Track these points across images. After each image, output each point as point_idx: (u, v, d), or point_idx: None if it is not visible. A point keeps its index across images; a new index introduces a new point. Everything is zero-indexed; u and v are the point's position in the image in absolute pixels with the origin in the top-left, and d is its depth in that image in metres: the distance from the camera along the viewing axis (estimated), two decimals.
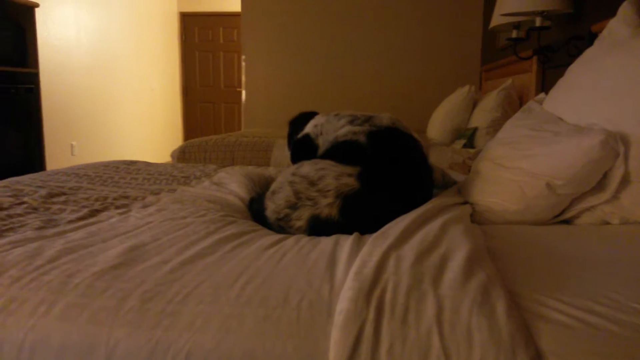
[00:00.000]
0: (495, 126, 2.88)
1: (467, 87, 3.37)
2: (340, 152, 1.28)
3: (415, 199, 1.22)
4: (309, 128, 1.54)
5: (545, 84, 2.68)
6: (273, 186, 1.31)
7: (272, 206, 1.24)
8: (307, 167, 1.24)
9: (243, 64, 5.03)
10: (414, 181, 1.26)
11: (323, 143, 1.43)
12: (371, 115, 1.42)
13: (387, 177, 1.21)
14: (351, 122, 1.39)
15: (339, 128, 1.40)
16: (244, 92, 5.09)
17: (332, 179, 1.18)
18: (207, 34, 7.52)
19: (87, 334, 0.75)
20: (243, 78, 5.07)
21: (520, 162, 1.28)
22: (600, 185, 1.21)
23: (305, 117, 1.63)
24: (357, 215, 1.16)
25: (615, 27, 1.44)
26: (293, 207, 1.19)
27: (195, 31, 7.54)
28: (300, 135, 1.55)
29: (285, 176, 1.27)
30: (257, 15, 4.89)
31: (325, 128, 1.46)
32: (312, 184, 1.19)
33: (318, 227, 1.16)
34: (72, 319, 0.77)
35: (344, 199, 1.15)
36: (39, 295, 0.81)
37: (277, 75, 4.96)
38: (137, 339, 0.74)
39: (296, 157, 1.53)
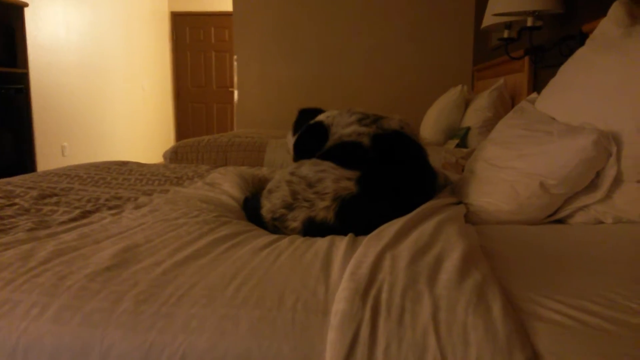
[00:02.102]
0: (488, 126, 2.89)
1: (459, 87, 3.38)
2: (342, 152, 1.28)
3: (414, 207, 1.20)
4: (321, 117, 1.52)
5: (537, 84, 2.69)
6: (270, 185, 1.30)
7: (268, 205, 1.23)
8: (307, 168, 1.23)
9: (235, 63, 5.02)
10: (413, 189, 1.25)
11: (331, 135, 1.41)
12: (381, 116, 1.41)
13: (386, 183, 1.20)
14: (359, 121, 1.38)
15: (348, 125, 1.38)
16: (236, 92, 5.08)
17: (331, 182, 1.17)
18: (199, 34, 7.49)
19: (80, 336, 0.74)
20: (235, 78, 5.05)
21: (514, 162, 1.28)
22: (593, 185, 1.21)
23: (313, 112, 1.62)
24: (353, 220, 1.15)
25: (606, 27, 1.45)
26: (289, 207, 1.19)
27: (187, 31, 7.52)
28: (312, 122, 1.53)
29: (283, 175, 1.26)
30: (248, 14, 4.87)
31: (337, 120, 1.44)
32: (310, 185, 1.18)
33: (313, 230, 1.15)
34: (66, 322, 0.76)
35: (341, 203, 1.15)
36: (32, 298, 0.80)
37: (269, 75, 4.95)
38: (131, 341, 0.73)
39: (305, 142, 1.50)
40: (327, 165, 1.22)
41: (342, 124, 1.41)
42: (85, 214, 1.30)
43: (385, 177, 1.20)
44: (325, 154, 1.31)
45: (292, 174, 1.24)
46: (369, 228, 1.09)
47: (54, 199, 1.47)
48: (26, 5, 4.39)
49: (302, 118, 1.64)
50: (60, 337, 0.74)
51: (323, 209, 1.15)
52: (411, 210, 1.18)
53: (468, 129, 3.02)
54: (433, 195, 1.32)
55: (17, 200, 1.42)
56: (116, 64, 6.26)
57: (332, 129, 1.43)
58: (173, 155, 3.10)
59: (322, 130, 1.45)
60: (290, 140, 1.64)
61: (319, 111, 1.61)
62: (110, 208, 1.38)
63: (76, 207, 1.37)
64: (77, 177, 1.84)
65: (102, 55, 5.97)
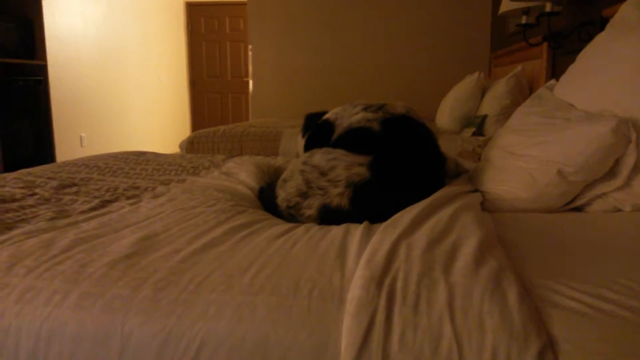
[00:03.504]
0: (505, 114, 2.86)
1: (476, 74, 3.34)
2: (352, 138, 1.28)
3: (427, 189, 1.21)
4: (327, 115, 1.53)
5: (555, 71, 2.65)
6: (284, 174, 1.31)
7: (283, 194, 1.25)
8: (319, 157, 1.24)
9: (250, 53, 5.02)
10: (426, 171, 1.25)
11: (338, 127, 1.43)
12: (385, 103, 1.42)
13: (398, 166, 1.20)
14: (365, 109, 1.39)
15: (354, 114, 1.40)
16: (251, 82, 5.08)
17: (343, 169, 1.18)
18: (214, 24, 7.49)
19: (101, 322, 0.76)
20: (250, 68, 5.06)
21: (531, 149, 1.27)
22: (611, 172, 1.20)
23: (320, 115, 1.63)
24: (368, 205, 1.15)
25: (627, 12, 1.42)
26: (304, 195, 1.20)
27: (202, 21, 7.52)
28: (320, 121, 1.55)
29: (296, 165, 1.27)
30: (263, 3, 4.86)
31: (341, 115, 1.45)
32: (323, 174, 1.19)
33: (328, 216, 1.16)
34: (87, 308, 0.78)
35: (354, 188, 1.15)
36: (54, 285, 0.82)
37: (284, 65, 4.94)
38: (151, 327, 0.74)
39: (315, 140, 1.52)
40: (338, 152, 1.23)
41: (347, 116, 1.42)
42: (104, 204, 1.32)
43: (397, 160, 1.21)
44: (337, 142, 1.32)
45: (304, 163, 1.25)
46: (384, 212, 1.10)
47: (74, 189, 1.49)
48: None
49: (309, 122, 1.65)
50: (82, 323, 0.76)
51: (337, 195, 1.16)
52: (424, 192, 1.18)
53: (485, 116, 3.00)
54: (444, 178, 1.33)
55: (37, 190, 1.44)
56: (132, 55, 6.31)
57: (338, 122, 1.43)
58: (189, 146, 3.12)
59: (328, 126, 1.46)
60: (300, 142, 1.65)
61: (325, 114, 1.63)
62: (128, 197, 1.40)
63: (95, 197, 1.39)
64: (96, 167, 1.87)
65: (118, 47, 6.01)
